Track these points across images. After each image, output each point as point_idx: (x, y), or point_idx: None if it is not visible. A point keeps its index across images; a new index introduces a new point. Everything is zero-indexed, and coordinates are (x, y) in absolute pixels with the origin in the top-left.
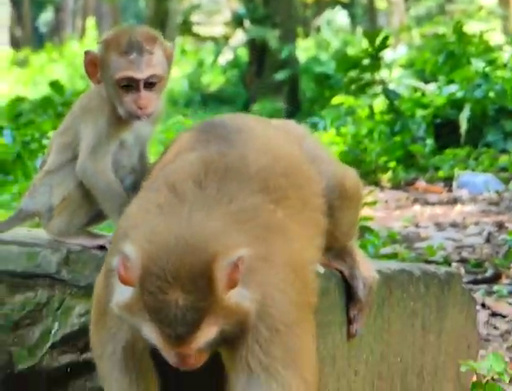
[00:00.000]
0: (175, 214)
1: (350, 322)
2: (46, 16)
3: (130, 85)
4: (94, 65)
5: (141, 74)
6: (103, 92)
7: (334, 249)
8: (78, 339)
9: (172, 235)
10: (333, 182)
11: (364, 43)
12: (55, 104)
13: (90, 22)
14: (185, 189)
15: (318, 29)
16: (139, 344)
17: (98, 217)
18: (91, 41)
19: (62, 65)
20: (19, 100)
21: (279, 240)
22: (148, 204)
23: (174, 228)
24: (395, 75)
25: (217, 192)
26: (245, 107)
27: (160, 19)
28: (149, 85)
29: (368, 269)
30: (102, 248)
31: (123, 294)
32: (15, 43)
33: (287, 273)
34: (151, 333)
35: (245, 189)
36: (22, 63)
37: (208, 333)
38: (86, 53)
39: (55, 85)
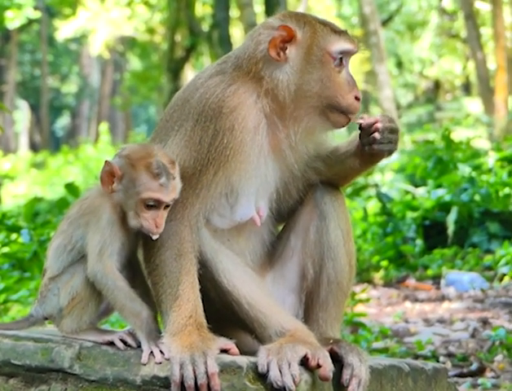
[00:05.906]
0: None
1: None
2: (63, 121)
3: (153, 204)
4: (111, 175)
5: (168, 198)
6: (115, 199)
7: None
8: None
9: None
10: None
11: None
12: (69, 205)
13: (104, 127)
14: None
15: None
16: None
17: (106, 310)
18: (105, 145)
19: (77, 167)
20: (36, 200)
21: None
22: None
23: None
24: (387, 179)
25: None
26: None
27: None
28: (167, 206)
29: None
30: (111, 343)
31: None
32: (34, 146)
33: None
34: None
35: None
36: (40, 165)
37: None
38: (107, 163)
39: (70, 187)
